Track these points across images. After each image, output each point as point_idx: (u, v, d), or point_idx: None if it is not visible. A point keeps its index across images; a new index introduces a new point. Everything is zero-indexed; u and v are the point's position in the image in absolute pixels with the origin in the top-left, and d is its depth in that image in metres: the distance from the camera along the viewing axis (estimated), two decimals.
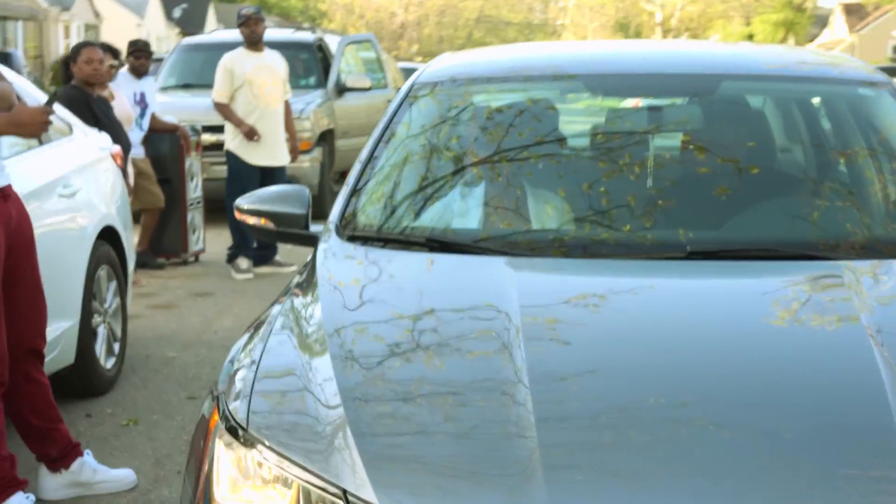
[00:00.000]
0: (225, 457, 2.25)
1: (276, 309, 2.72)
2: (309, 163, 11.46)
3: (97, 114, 7.03)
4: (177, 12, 61.08)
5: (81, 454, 4.26)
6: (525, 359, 2.23)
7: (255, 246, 8.77)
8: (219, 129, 10.03)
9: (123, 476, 4.33)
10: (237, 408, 2.28)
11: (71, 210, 5.20)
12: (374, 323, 2.54)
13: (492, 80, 3.68)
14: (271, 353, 2.45)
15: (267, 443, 2.16)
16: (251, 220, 3.28)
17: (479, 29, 78.97)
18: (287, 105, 9.02)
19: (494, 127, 3.49)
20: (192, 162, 9.39)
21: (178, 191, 9.20)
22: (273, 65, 8.91)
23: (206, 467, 2.32)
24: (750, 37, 56.55)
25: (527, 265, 2.84)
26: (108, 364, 5.66)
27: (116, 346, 5.80)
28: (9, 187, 3.91)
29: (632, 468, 2.00)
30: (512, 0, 77.27)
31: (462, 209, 3.16)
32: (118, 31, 50.53)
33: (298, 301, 2.72)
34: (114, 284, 5.78)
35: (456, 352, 2.38)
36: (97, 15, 47.67)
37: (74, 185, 5.26)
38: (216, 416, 2.35)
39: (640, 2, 60.91)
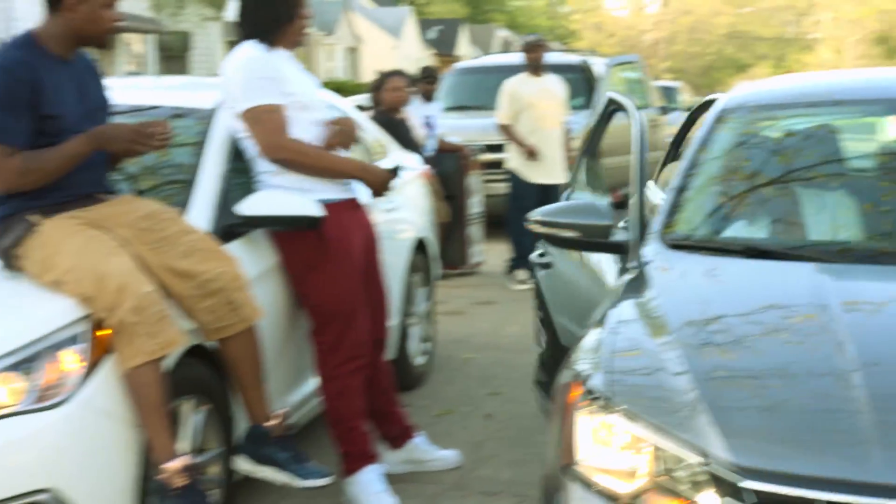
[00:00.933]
0: (586, 424, 2.74)
1: (616, 303, 3.21)
2: None
3: (402, 136, 7.76)
4: (431, 34, 62.96)
5: (414, 435, 4.88)
6: (855, 347, 2.64)
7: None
8: (497, 149, 10.70)
9: (450, 456, 4.93)
10: (599, 382, 2.77)
11: (393, 223, 5.86)
12: (713, 315, 3.00)
13: (791, 106, 4.09)
14: (624, 339, 2.95)
15: (628, 411, 2.64)
16: (549, 230, 3.72)
17: (731, 45, 77.74)
18: (565, 126, 9.58)
19: (795, 148, 3.89)
20: (474, 180, 10.05)
21: (460, 207, 9.88)
22: (553, 88, 9.49)
23: (567, 434, 2.82)
24: None
25: (837, 270, 3.23)
26: (419, 361, 6.32)
27: (424, 346, 6.45)
28: (357, 199, 4.58)
29: None
30: (764, 15, 75.60)
31: (771, 221, 3.57)
32: (376, 53, 52.70)
33: (636, 297, 3.20)
34: (424, 290, 6.43)
35: (789, 340, 2.82)
36: (357, 38, 49.82)
37: (395, 201, 5.92)
38: (575, 391, 2.85)
39: None
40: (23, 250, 3.63)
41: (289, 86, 4.37)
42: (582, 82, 13.46)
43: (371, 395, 4.70)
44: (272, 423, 4.02)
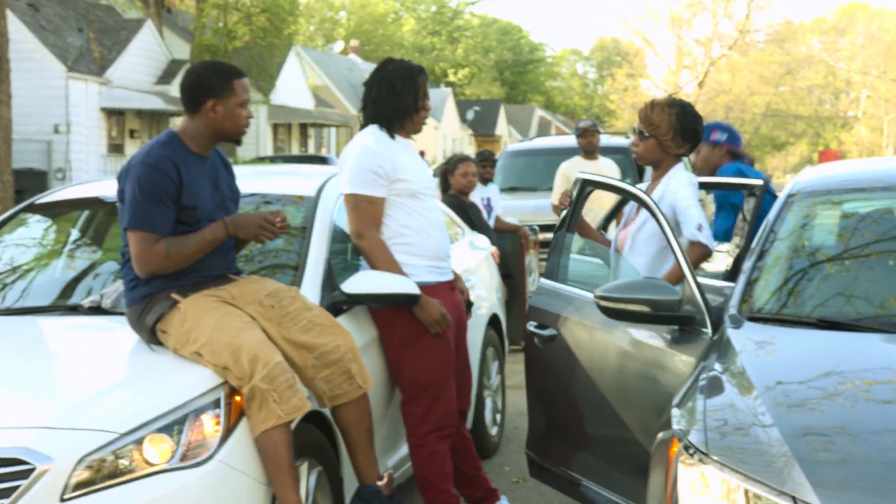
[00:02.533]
0: (686, 476, 3.11)
1: (705, 369, 3.58)
2: None
3: (472, 218, 8.20)
4: (469, 115, 63.94)
5: (499, 498, 5.23)
6: None
7: None
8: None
9: None
10: (696, 437, 3.14)
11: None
12: (795, 378, 3.38)
13: (855, 191, 4.49)
14: (715, 398, 3.33)
15: (724, 461, 3.01)
16: (616, 306, 4.08)
17: (767, 123, 78.26)
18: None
19: (859, 228, 4.29)
20: (531, 258, 10.45)
21: (518, 285, 10.25)
22: (606, 171, 9.92)
23: (669, 484, 3.18)
24: None
25: None
26: (493, 431, 6.67)
27: (498, 417, 6.81)
28: (452, 282, 5.00)
29: None
30: (801, 93, 76.13)
31: (840, 295, 3.94)
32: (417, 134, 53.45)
33: (722, 363, 3.58)
34: (497, 364, 6.81)
35: (870, 399, 3.19)
36: None
37: (472, 279, 6.32)
38: (675, 447, 3.21)
39: None
40: (165, 325, 4.06)
41: (401, 173, 4.80)
42: (629, 164, 13.88)
43: (457, 460, 5.05)
44: (382, 482, 4.38)
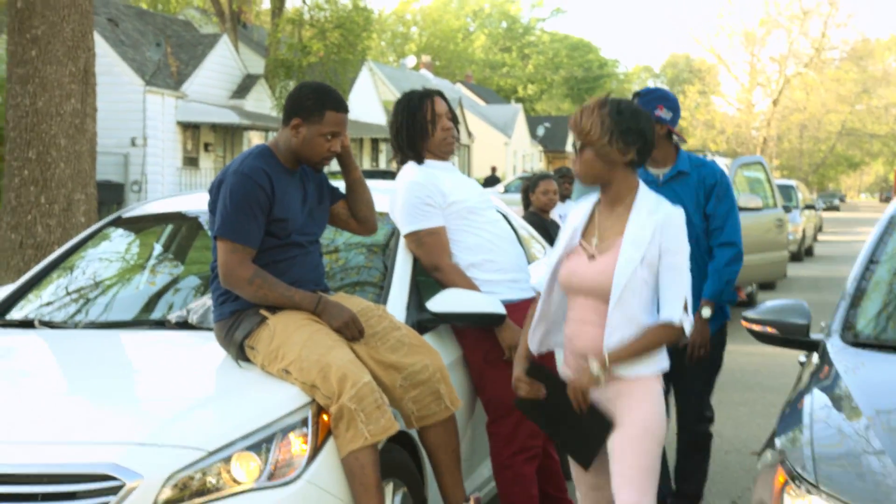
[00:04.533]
0: None
1: (807, 394, 3.48)
2: None
3: (553, 236, 8.12)
4: (540, 131, 63.82)
5: None
6: None
7: None
8: None
9: None
10: (803, 467, 3.03)
11: None
12: None
13: None
14: (821, 425, 3.23)
15: (834, 493, 2.90)
16: (757, 328, 4.04)
17: (843, 142, 77.18)
18: None
19: None
20: None
21: None
22: None
23: None
24: None
25: None
26: None
27: None
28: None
29: None
30: (877, 112, 74.97)
31: None
32: (487, 149, 53.62)
33: (826, 387, 3.47)
34: None
35: None
36: (470, 135, 50.80)
37: None
38: (781, 476, 3.11)
39: None
40: (253, 341, 4.03)
41: (451, 196, 4.77)
42: None
43: (542, 482, 4.96)
44: None
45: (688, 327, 3.60)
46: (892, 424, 3.15)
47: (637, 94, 5.19)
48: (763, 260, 14.29)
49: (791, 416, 3.41)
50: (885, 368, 3.60)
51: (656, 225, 3.64)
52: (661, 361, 3.71)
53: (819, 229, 30.61)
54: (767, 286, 17.53)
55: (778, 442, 3.28)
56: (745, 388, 9.41)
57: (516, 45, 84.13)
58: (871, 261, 4.11)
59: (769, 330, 4.01)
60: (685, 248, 3.65)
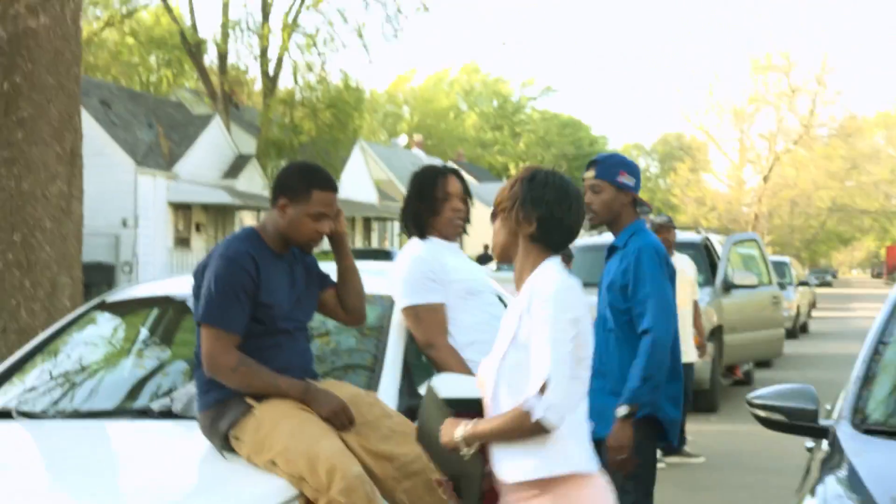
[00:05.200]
0: None
1: (821, 484, 3.32)
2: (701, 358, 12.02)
3: None
4: None
5: None
6: None
7: None
8: None
9: None
10: None
11: None
12: None
13: None
14: None
15: None
16: (763, 414, 3.89)
17: (833, 218, 77.50)
18: (696, 305, 9.72)
19: None
20: None
21: None
22: (684, 268, 9.68)
23: None
24: None
25: None
26: None
27: None
28: None
29: None
30: (866, 188, 75.42)
31: None
32: (481, 227, 53.53)
33: (838, 478, 3.31)
34: None
35: None
36: None
37: None
38: None
39: None
40: (239, 432, 3.86)
41: (453, 274, 4.62)
42: (702, 259, 13.63)
43: None
44: None
45: (537, 413, 3.07)
46: None
47: (594, 162, 4.84)
48: (759, 338, 14.17)
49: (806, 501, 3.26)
50: None
51: (526, 298, 3.24)
52: (552, 463, 3.14)
53: (813, 305, 30.49)
54: (764, 364, 17.37)
55: None
56: (746, 470, 9.21)
57: (507, 124, 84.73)
58: (881, 342, 3.97)
59: (775, 416, 3.86)
60: (550, 321, 3.13)
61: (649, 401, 4.45)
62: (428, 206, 4.70)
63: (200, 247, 29.83)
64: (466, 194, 4.76)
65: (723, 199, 66.49)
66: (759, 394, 3.99)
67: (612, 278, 4.68)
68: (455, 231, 4.77)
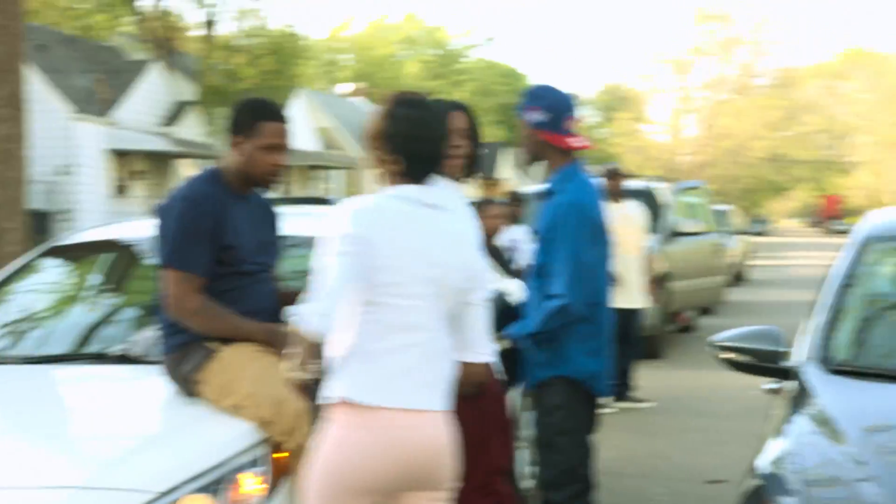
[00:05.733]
0: None
1: (792, 419, 3.34)
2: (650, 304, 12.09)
3: (503, 263, 7.96)
4: None
5: None
6: None
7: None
8: None
9: None
10: (793, 498, 2.88)
11: None
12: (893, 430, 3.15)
13: None
14: (809, 454, 3.09)
15: None
16: (727, 355, 3.89)
17: (769, 168, 78.32)
18: (645, 251, 9.76)
19: None
20: None
21: None
22: (632, 214, 9.70)
23: None
24: None
25: None
26: (527, 485, 6.37)
27: (531, 470, 6.52)
28: None
29: None
30: (803, 138, 76.26)
31: None
32: None
33: (807, 416, 3.33)
34: (529, 413, 6.52)
35: None
36: None
37: None
38: None
39: None
40: (203, 375, 3.79)
41: None
42: (647, 208, 13.65)
43: None
44: None
45: (297, 322, 3.12)
46: (880, 449, 3.04)
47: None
48: (704, 285, 14.28)
49: (775, 445, 3.26)
50: (867, 394, 3.48)
51: None
52: (328, 390, 3.15)
53: (751, 254, 30.83)
54: (705, 311, 17.54)
55: (762, 472, 3.13)
56: (696, 415, 9.30)
57: (448, 73, 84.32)
58: (846, 284, 3.98)
59: (741, 357, 3.86)
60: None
61: (523, 349, 4.44)
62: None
63: (139, 195, 29.43)
64: (472, 132, 4.43)
65: (662, 149, 66.92)
66: (725, 336, 3.98)
67: (539, 226, 4.53)
68: (453, 170, 4.57)
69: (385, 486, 3.12)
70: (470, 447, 4.49)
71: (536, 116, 4.46)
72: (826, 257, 40.20)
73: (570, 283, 4.38)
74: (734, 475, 7.02)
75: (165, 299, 3.88)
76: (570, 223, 4.40)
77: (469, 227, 3.60)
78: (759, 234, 60.34)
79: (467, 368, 3.61)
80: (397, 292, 3.13)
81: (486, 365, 3.84)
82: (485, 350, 3.68)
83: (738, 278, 25.29)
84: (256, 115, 4.00)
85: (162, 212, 3.94)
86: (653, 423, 8.85)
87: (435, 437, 3.17)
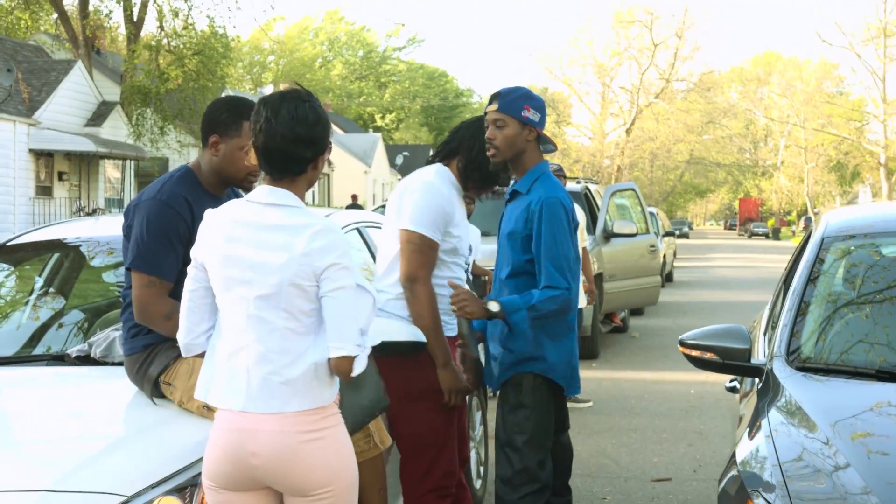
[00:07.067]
0: None
1: (762, 416, 3.38)
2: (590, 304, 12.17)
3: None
4: (399, 159, 63.92)
5: None
6: None
7: None
8: None
9: None
10: (773, 492, 2.92)
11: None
12: (863, 422, 3.25)
13: (891, 233, 4.34)
14: (785, 450, 3.13)
15: None
16: (695, 353, 3.93)
17: (690, 171, 79.42)
18: (585, 251, 9.80)
19: None
20: None
21: None
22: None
23: None
24: None
25: None
26: (478, 485, 6.38)
27: (482, 470, 6.53)
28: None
29: None
30: (722, 142, 77.42)
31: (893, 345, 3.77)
32: (348, 178, 53.34)
33: (782, 410, 3.38)
34: (479, 413, 6.54)
35: None
36: (329, 163, 50.48)
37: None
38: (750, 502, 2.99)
39: (863, 142, 60.14)
40: (170, 377, 3.73)
41: (454, 230, 4.49)
42: (583, 209, 13.75)
43: None
44: None
45: None
46: (851, 438, 3.11)
47: (497, 95, 4.52)
48: (638, 285, 14.41)
49: (750, 442, 3.30)
50: (836, 391, 3.54)
51: None
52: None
53: (675, 255, 31.22)
54: (636, 312, 17.72)
55: (741, 469, 3.16)
56: (632, 414, 9.38)
57: (373, 74, 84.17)
58: (808, 283, 4.04)
59: (708, 355, 3.89)
60: None
61: (515, 321, 4.35)
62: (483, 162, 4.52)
63: (63, 195, 28.95)
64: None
65: (586, 152, 67.47)
66: (691, 334, 4.02)
67: (512, 227, 4.48)
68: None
69: (227, 485, 3.19)
70: (426, 449, 4.50)
71: (530, 115, 4.45)
72: (747, 259, 40.45)
73: (562, 275, 4.35)
74: (677, 473, 7.14)
75: (133, 304, 3.80)
76: (557, 216, 4.35)
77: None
78: (679, 236, 61.12)
79: (334, 363, 3.41)
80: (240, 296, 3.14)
81: (350, 359, 3.56)
82: (343, 345, 3.21)
83: (668, 279, 25.58)
84: (239, 114, 3.91)
85: (131, 211, 3.87)
86: (593, 423, 8.90)
87: (268, 440, 3.12)
